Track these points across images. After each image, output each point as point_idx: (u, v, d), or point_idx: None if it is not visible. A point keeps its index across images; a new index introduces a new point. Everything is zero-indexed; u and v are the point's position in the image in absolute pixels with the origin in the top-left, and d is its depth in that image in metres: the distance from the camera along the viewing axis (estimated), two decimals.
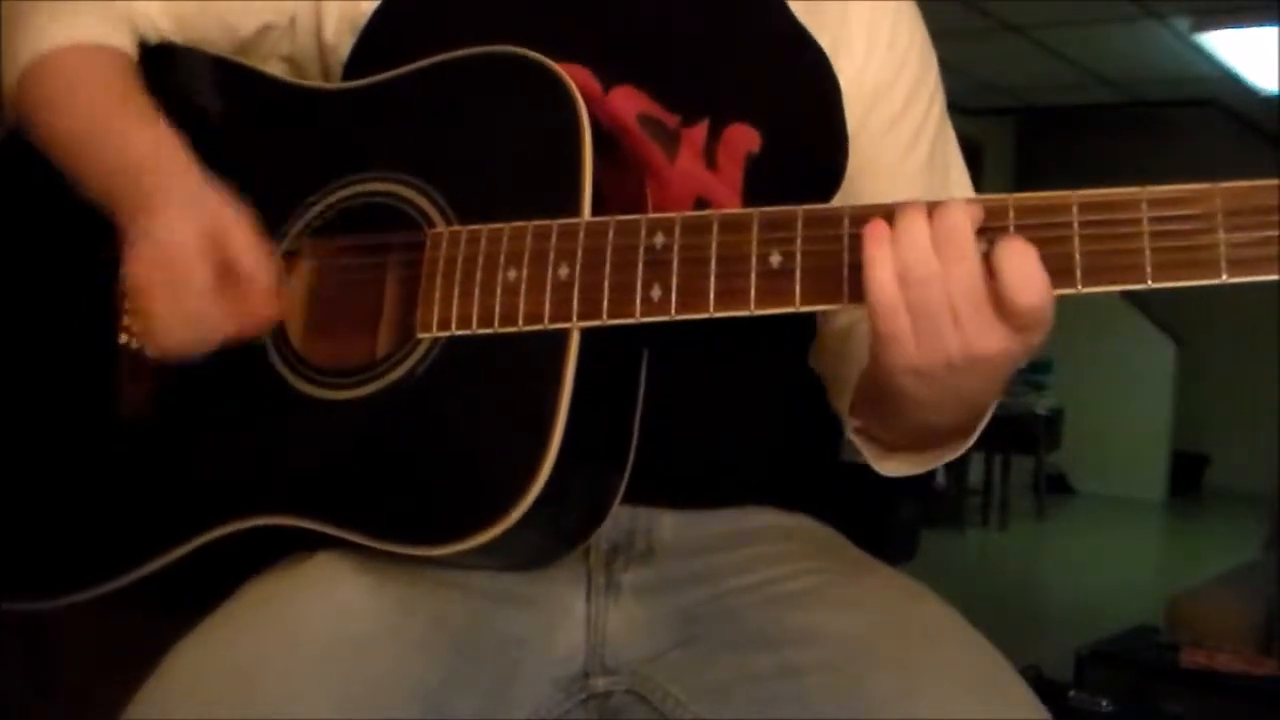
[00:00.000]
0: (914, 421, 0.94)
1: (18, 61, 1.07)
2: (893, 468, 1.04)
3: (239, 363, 0.98)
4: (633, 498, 0.98)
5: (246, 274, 0.95)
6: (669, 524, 1.03)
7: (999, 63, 7.03)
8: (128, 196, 0.97)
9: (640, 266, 0.87)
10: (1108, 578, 6.20)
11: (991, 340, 0.80)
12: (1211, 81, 7.23)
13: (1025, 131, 8.81)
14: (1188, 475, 8.84)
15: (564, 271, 0.89)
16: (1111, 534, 7.64)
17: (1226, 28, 6.28)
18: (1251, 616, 3.38)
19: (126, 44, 1.10)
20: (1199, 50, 6.69)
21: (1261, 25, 6.09)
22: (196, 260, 0.93)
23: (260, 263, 0.95)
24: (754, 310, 0.85)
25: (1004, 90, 7.82)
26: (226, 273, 0.94)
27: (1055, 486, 8.23)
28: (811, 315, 1.11)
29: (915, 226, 0.80)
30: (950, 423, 0.94)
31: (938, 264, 0.79)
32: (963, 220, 0.79)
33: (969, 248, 0.79)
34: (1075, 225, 0.79)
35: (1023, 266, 0.78)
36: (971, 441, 0.98)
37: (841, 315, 1.08)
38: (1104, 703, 2.85)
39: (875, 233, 0.81)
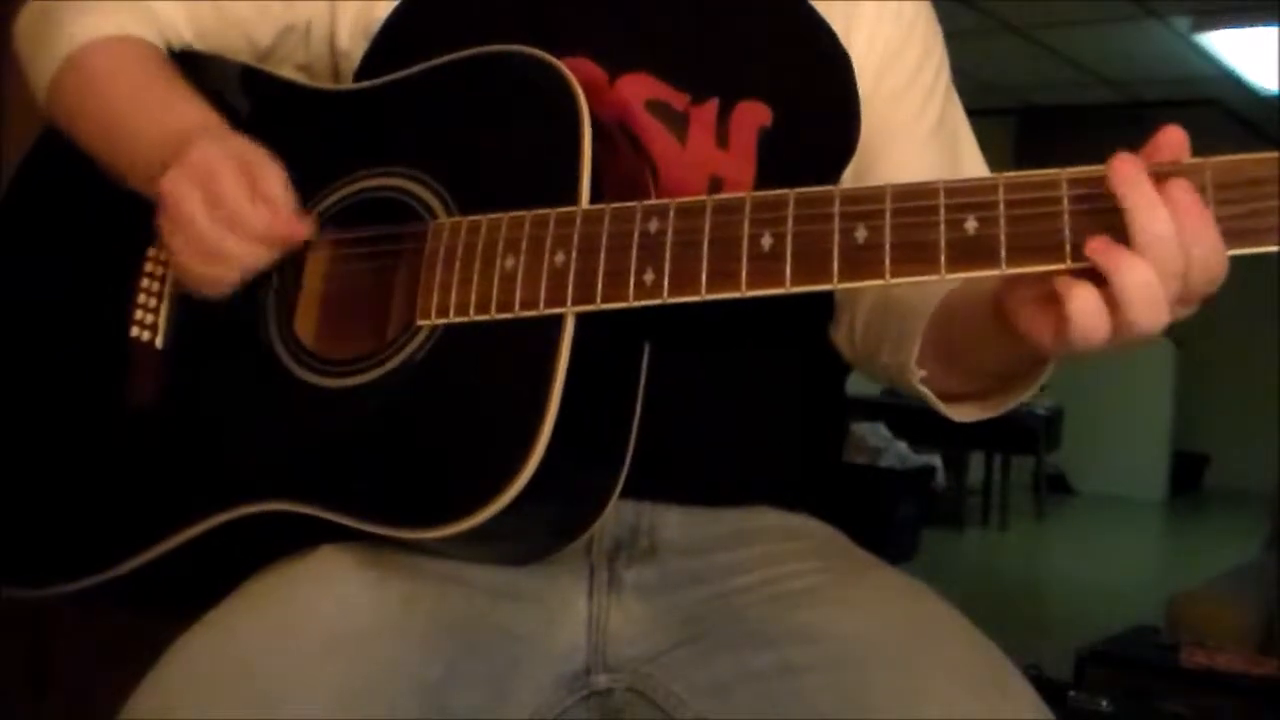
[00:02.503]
0: (987, 373, 0.97)
1: (54, 58, 1.09)
2: (964, 413, 1.03)
3: (244, 354, 0.99)
4: (636, 494, 0.98)
5: (271, 195, 0.95)
6: (672, 522, 1.03)
7: (999, 63, 7.03)
8: (167, 160, 0.97)
9: (635, 251, 0.88)
10: (1108, 578, 6.20)
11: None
12: (1211, 81, 7.23)
13: (1025, 131, 8.79)
14: (1188, 475, 8.85)
15: (560, 258, 0.89)
16: (1111, 534, 7.64)
17: (1226, 28, 6.28)
18: (1251, 616, 3.38)
19: (157, 40, 1.12)
20: (1199, 50, 6.69)
21: (1261, 25, 6.09)
22: (230, 173, 0.95)
23: (285, 187, 0.96)
24: (745, 292, 0.85)
25: (1004, 90, 7.82)
26: (254, 197, 0.95)
27: (1055, 486, 8.23)
28: (817, 311, 1.11)
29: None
30: (1022, 373, 0.95)
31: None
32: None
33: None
34: (1065, 202, 0.78)
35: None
36: (1037, 388, 0.98)
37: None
38: (1104, 703, 2.85)
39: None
